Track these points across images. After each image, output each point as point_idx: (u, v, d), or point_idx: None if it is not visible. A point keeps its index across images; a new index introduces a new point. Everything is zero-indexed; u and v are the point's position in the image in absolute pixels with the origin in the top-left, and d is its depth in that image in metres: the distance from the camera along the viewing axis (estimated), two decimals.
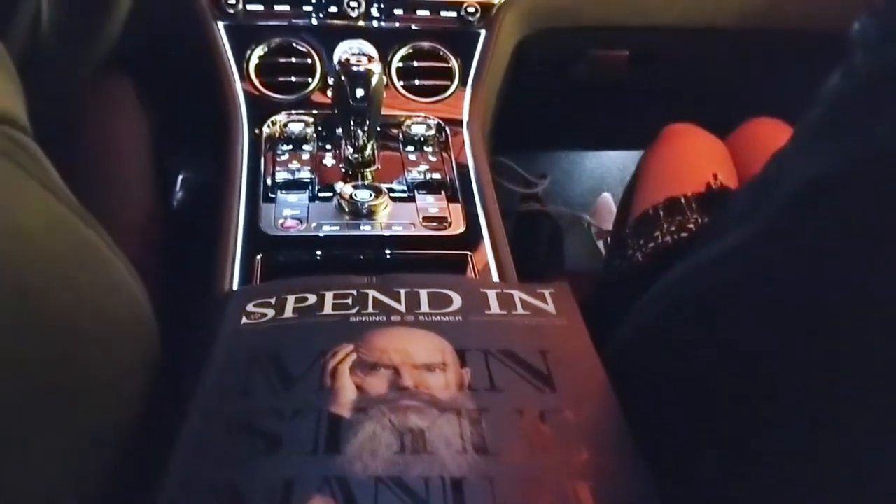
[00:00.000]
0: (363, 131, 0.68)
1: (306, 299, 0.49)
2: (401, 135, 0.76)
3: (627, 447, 0.40)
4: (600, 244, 1.40)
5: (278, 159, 0.72)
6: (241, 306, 0.49)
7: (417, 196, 0.69)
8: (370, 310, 0.48)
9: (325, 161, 0.72)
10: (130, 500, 0.42)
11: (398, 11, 0.83)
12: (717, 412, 0.39)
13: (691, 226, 0.71)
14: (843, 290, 0.32)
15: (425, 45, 0.83)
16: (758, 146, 0.83)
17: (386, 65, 0.81)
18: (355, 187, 0.66)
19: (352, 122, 0.68)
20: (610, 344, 0.49)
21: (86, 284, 0.37)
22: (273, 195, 0.67)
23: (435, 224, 0.66)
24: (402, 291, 0.50)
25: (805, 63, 0.87)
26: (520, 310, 0.49)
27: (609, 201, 1.43)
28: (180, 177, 1.18)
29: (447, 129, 0.77)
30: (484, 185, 0.71)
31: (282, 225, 0.64)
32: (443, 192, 0.70)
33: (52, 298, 0.34)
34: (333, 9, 0.82)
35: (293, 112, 0.77)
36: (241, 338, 0.46)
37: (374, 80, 0.65)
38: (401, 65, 0.82)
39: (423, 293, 0.50)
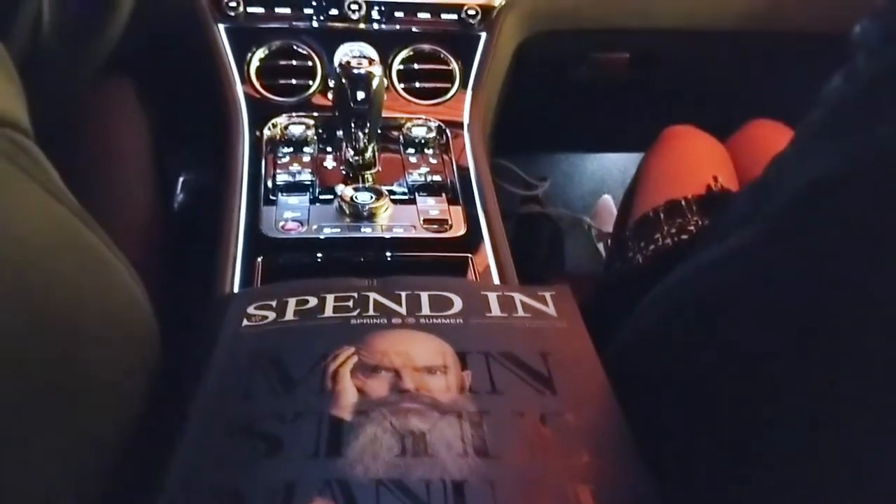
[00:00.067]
0: (364, 134, 0.68)
1: (307, 302, 0.49)
2: (401, 137, 0.76)
3: (628, 450, 0.40)
4: (600, 246, 1.40)
5: (279, 162, 0.72)
6: (241, 309, 0.49)
7: (418, 198, 0.69)
8: (371, 312, 0.48)
9: (325, 163, 0.72)
10: (130, 501, 0.42)
11: (399, 14, 0.83)
12: (717, 414, 0.39)
13: (692, 228, 0.71)
14: (844, 291, 0.32)
15: (426, 47, 0.83)
16: (758, 148, 0.83)
17: (387, 67, 0.81)
18: (356, 190, 0.66)
19: (352, 125, 0.68)
20: (610, 346, 0.49)
21: (86, 286, 0.37)
22: (274, 197, 0.67)
23: (435, 226, 0.66)
24: (403, 294, 0.50)
25: (805, 65, 0.87)
26: (520, 312, 0.49)
27: (609, 203, 1.43)
28: (181, 179, 1.18)
29: (448, 131, 0.77)
30: (484, 188, 0.71)
31: (282, 227, 0.64)
32: (443, 195, 0.70)
33: (52, 299, 0.34)
34: (334, 11, 0.82)
35: (294, 114, 0.77)
36: (242, 340, 0.46)
37: (375, 83, 0.65)
38: (401, 67, 0.82)
39: (424, 295, 0.50)
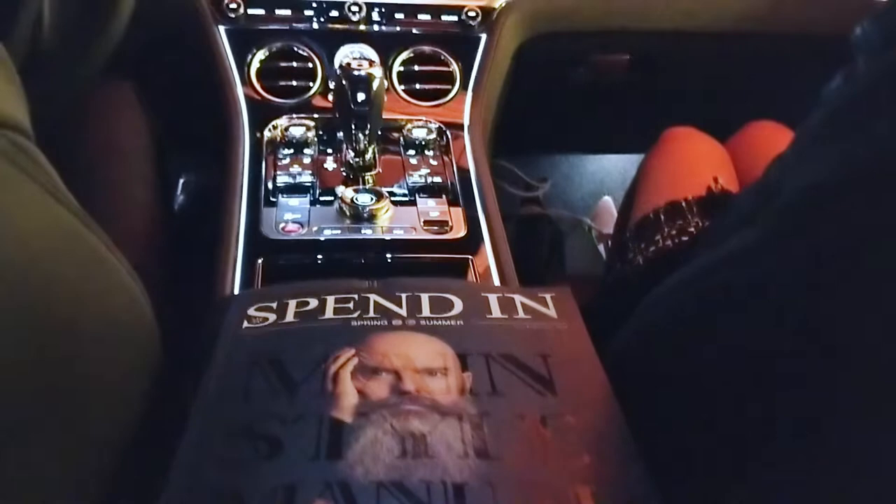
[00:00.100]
0: (364, 135, 0.68)
1: (308, 303, 0.49)
2: (402, 139, 0.76)
3: (628, 451, 0.40)
4: (601, 248, 1.40)
5: (279, 163, 0.72)
6: (242, 310, 0.49)
7: (418, 200, 0.69)
8: (371, 314, 0.48)
9: (326, 165, 0.72)
10: (130, 501, 0.42)
11: (399, 16, 0.84)
12: (717, 414, 0.39)
13: (692, 230, 0.71)
14: (844, 291, 0.32)
15: (426, 49, 0.83)
16: (758, 150, 0.84)
17: (387, 69, 0.81)
18: (356, 191, 0.66)
19: (353, 126, 0.68)
20: (611, 347, 0.49)
21: (86, 287, 0.37)
22: (274, 199, 0.67)
23: (436, 228, 0.66)
24: (404, 295, 0.50)
25: (805, 66, 0.87)
26: (521, 314, 0.49)
27: (610, 205, 1.43)
28: (181, 180, 1.18)
29: (448, 132, 0.77)
30: (485, 189, 0.71)
31: (283, 229, 0.64)
32: (444, 196, 0.70)
33: (52, 300, 0.34)
34: (334, 13, 0.83)
35: (294, 116, 0.77)
36: (243, 342, 0.46)
37: (375, 84, 0.65)
38: (402, 69, 0.82)
39: (425, 297, 0.50)
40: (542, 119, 1.23)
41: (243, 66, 0.79)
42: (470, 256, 0.64)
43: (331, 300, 0.49)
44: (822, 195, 0.34)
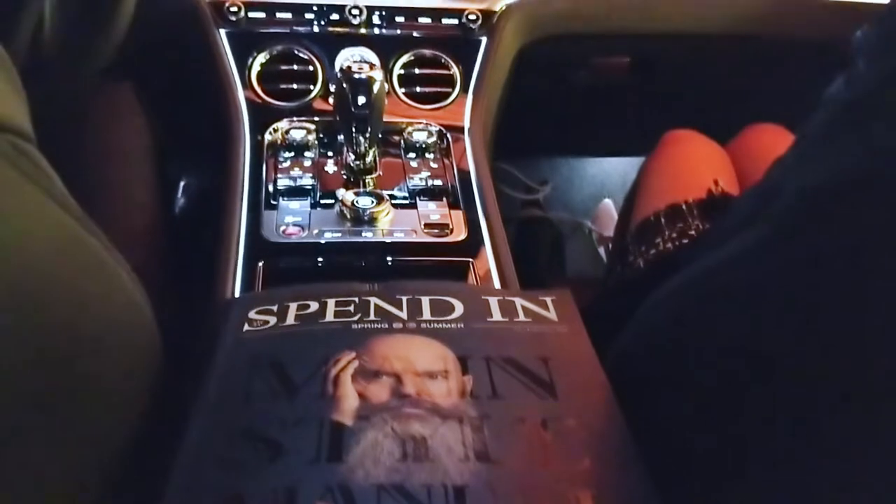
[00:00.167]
0: (365, 138, 0.68)
1: (308, 306, 0.49)
2: (402, 142, 0.76)
3: (629, 454, 0.40)
4: (601, 251, 1.40)
5: (280, 166, 0.72)
6: (243, 313, 0.49)
7: (419, 203, 0.69)
8: (372, 317, 0.48)
9: (326, 168, 0.72)
10: (130, 503, 0.42)
11: (399, 19, 0.84)
12: (718, 416, 0.39)
13: (693, 232, 0.71)
14: (845, 293, 0.32)
15: (427, 52, 0.83)
16: (759, 153, 0.84)
17: (387, 72, 0.81)
18: (357, 194, 0.66)
19: (353, 129, 0.68)
20: (611, 350, 0.49)
21: (87, 290, 0.37)
22: (275, 202, 0.67)
23: (436, 231, 0.66)
24: (404, 298, 0.50)
25: (806, 69, 0.87)
26: (521, 317, 0.49)
27: (610, 207, 1.43)
28: (182, 183, 1.18)
29: (448, 135, 0.77)
30: (485, 192, 0.71)
31: (283, 232, 0.64)
32: (444, 199, 0.70)
33: (52, 303, 0.34)
34: (335, 16, 0.83)
35: (295, 119, 0.77)
36: (244, 345, 0.46)
37: (376, 88, 0.65)
38: (402, 72, 0.82)
39: (425, 300, 0.50)
40: (542, 122, 1.23)
41: (244, 69, 0.79)
42: (470, 259, 0.64)
43: (331, 303, 0.49)
44: (823, 197, 0.34)
